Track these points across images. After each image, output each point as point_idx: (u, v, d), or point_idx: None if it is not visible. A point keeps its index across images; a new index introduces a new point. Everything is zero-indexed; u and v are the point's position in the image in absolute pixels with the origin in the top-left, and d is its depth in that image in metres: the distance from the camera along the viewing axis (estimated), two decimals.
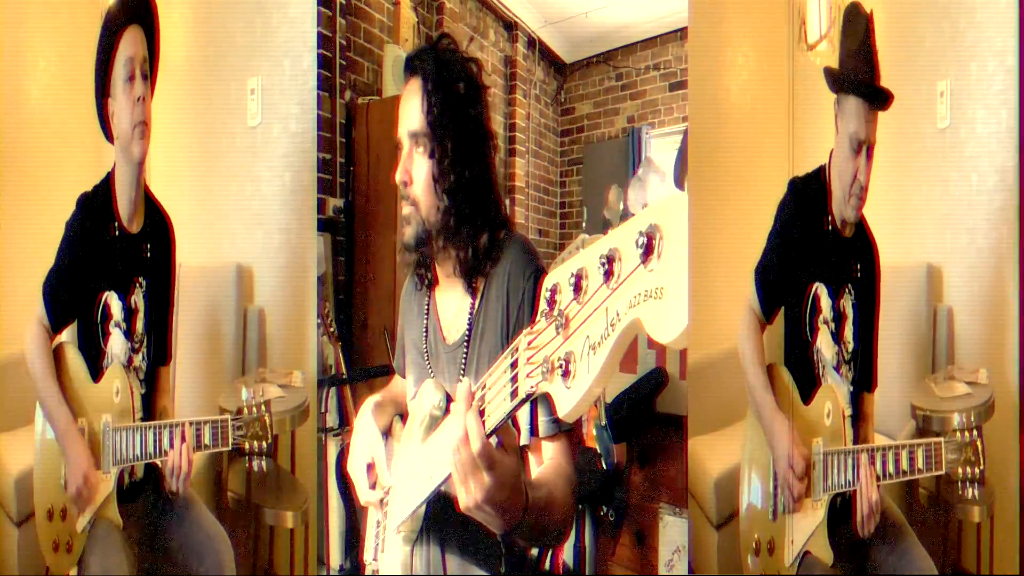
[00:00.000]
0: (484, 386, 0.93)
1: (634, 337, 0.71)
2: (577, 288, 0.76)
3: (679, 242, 0.66)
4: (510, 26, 4.78)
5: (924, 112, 1.88)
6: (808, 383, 1.72)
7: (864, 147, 1.70)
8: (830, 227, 1.74)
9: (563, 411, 0.77)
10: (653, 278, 0.67)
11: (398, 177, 1.33)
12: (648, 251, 0.68)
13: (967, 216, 1.86)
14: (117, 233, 1.73)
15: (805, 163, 1.81)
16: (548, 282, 0.80)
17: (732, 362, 1.78)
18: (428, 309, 1.42)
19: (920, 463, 1.61)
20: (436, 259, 1.36)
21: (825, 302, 1.73)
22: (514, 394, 0.86)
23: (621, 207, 3.02)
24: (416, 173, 1.31)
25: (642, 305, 0.68)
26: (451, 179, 1.29)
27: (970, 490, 1.62)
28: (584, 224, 5.04)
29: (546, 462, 1.26)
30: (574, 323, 0.76)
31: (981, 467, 1.62)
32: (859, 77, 1.72)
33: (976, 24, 1.85)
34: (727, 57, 1.95)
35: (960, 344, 1.88)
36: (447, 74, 1.30)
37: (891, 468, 1.61)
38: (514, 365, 0.86)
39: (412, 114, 1.31)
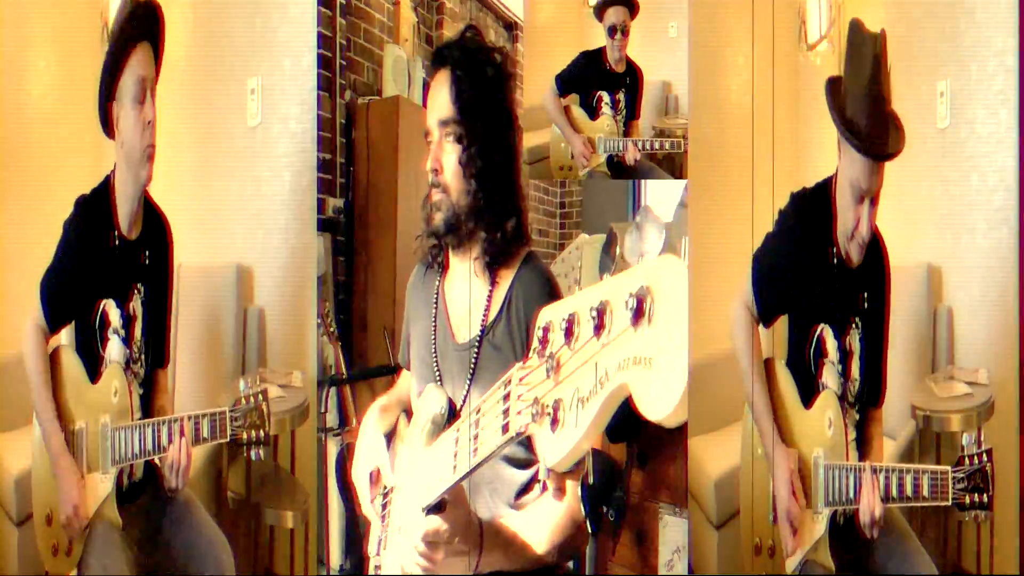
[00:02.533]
0: (478, 410, 0.93)
1: (624, 398, 0.66)
2: (568, 333, 0.72)
3: (672, 309, 0.61)
4: (510, 26, 4.77)
5: (924, 112, 1.88)
6: (808, 381, 1.70)
7: (867, 197, 1.58)
8: (835, 260, 1.64)
9: (550, 460, 0.73)
10: (643, 345, 0.63)
11: (429, 165, 1.35)
12: (638, 314, 0.63)
13: (967, 216, 1.86)
14: (117, 243, 1.72)
15: (804, 164, 1.81)
16: (542, 319, 0.77)
17: (732, 362, 1.77)
18: (436, 301, 1.42)
19: (925, 491, 1.54)
20: (460, 246, 1.36)
21: (831, 344, 1.65)
22: (505, 428, 0.85)
23: (618, 251, 2.93)
24: (446, 160, 1.33)
25: (630, 371, 0.64)
26: (479, 163, 1.32)
27: (974, 513, 1.54)
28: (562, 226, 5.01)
29: (544, 498, 1.28)
30: (564, 370, 0.73)
31: (989, 494, 1.54)
32: (865, 134, 1.55)
33: (976, 24, 1.85)
34: (727, 57, 1.95)
35: (960, 344, 1.88)
36: (474, 62, 1.33)
37: (894, 492, 1.56)
38: (506, 398, 0.85)
39: (441, 103, 1.33)
